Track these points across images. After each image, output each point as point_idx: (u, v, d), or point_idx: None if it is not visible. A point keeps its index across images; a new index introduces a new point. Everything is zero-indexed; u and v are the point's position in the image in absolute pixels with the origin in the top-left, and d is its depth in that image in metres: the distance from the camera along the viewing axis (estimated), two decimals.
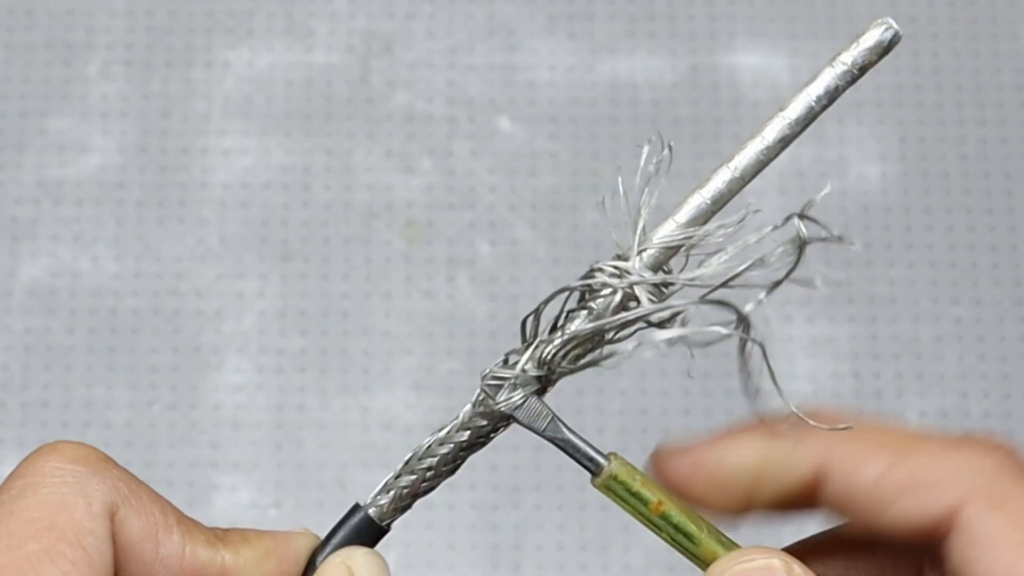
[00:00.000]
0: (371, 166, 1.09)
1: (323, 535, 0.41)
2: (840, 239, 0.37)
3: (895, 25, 0.40)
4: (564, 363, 0.39)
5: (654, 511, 0.39)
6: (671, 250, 0.39)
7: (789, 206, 1.10)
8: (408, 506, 0.41)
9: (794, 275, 0.38)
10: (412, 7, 1.14)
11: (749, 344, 0.38)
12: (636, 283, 0.39)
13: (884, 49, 0.40)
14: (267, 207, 1.08)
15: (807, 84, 0.38)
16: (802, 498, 0.40)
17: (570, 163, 1.10)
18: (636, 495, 0.39)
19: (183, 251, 1.07)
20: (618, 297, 0.39)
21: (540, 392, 0.40)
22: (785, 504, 0.40)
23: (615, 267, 0.39)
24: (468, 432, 0.40)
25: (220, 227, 1.07)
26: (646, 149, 0.39)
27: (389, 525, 0.41)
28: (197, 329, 1.05)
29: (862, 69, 0.39)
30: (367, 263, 1.07)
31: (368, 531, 0.40)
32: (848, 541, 0.41)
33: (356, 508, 0.41)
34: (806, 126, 0.38)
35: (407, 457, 0.40)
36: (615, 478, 0.39)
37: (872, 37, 0.40)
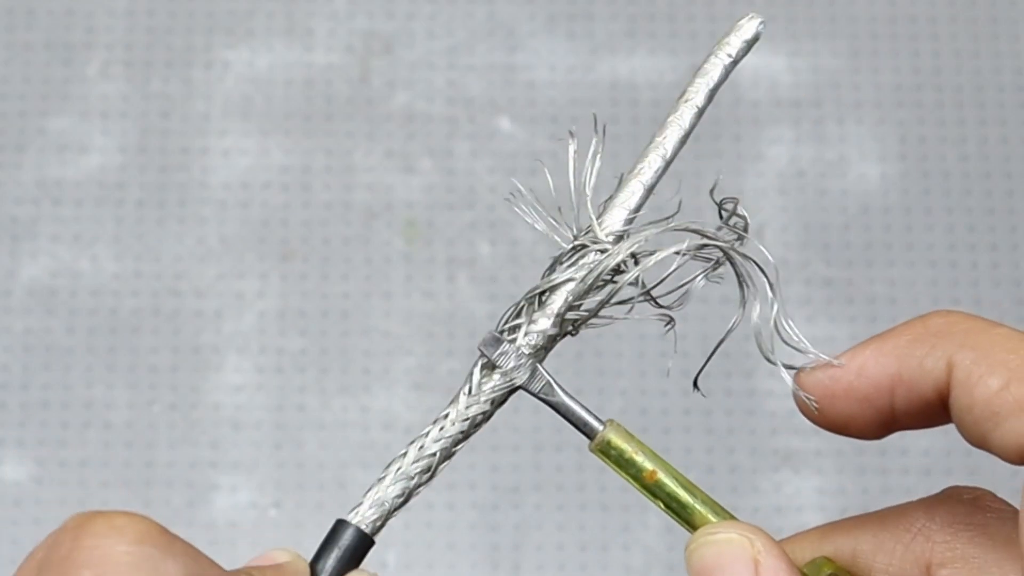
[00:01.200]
0: (371, 166, 1.09)
1: (323, 534, 0.40)
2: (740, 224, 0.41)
3: (761, 17, 0.43)
4: (574, 316, 0.40)
5: (648, 479, 0.39)
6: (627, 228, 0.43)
7: (789, 205, 1.10)
8: (394, 514, 0.40)
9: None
10: (412, 7, 1.14)
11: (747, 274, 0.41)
12: (621, 253, 0.42)
13: (753, 41, 0.44)
14: (267, 207, 1.08)
15: (701, 74, 0.45)
16: (937, 408, 0.39)
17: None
18: (630, 462, 0.40)
19: (183, 251, 1.07)
20: (609, 261, 0.42)
21: (541, 357, 0.41)
22: (923, 416, 0.39)
23: (594, 240, 0.43)
24: (467, 422, 0.41)
25: (220, 227, 1.07)
26: (592, 144, 0.43)
27: (375, 536, 0.40)
28: (197, 329, 1.05)
29: (739, 59, 0.44)
30: (367, 263, 1.07)
31: (359, 547, 0.40)
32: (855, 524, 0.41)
33: (342, 524, 0.40)
34: (707, 106, 0.45)
35: (397, 466, 0.40)
36: (610, 443, 0.40)
37: (750, 30, 0.44)
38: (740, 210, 0.42)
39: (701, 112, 0.44)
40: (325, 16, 1.13)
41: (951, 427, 0.36)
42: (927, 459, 1.04)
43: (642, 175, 0.44)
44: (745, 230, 0.40)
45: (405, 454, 0.41)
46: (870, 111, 1.11)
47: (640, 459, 0.40)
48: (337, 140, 1.10)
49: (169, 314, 1.05)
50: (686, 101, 0.45)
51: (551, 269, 0.42)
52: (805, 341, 0.40)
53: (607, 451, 0.40)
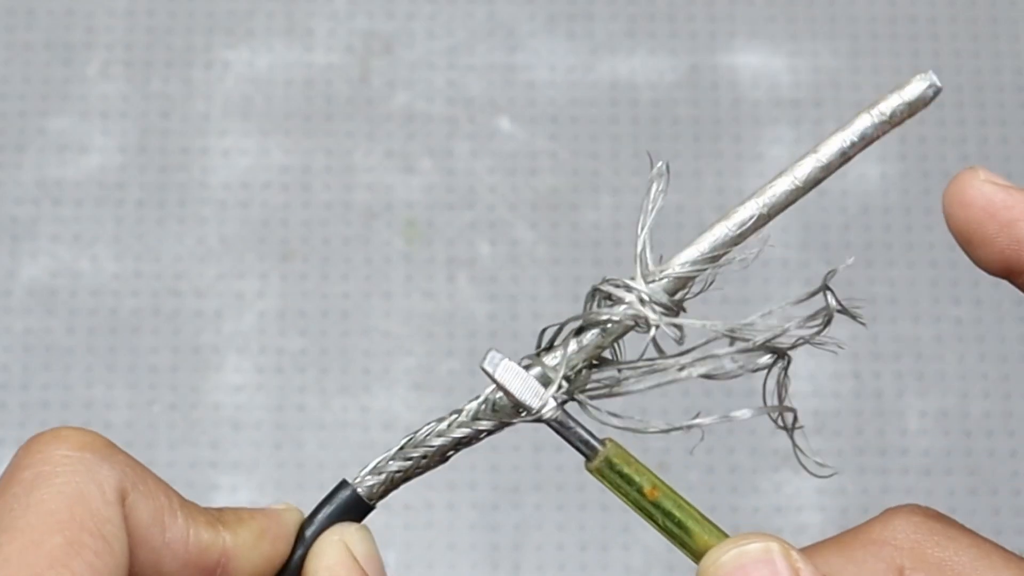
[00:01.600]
0: (371, 166, 1.09)
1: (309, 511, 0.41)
2: (856, 312, 0.38)
3: (936, 80, 0.38)
4: (581, 377, 0.39)
5: (648, 496, 0.39)
6: (686, 279, 0.39)
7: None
8: (395, 489, 0.41)
9: (817, 339, 0.39)
10: (412, 7, 1.14)
11: (782, 379, 0.38)
12: (655, 319, 0.39)
13: (924, 103, 0.39)
14: (267, 207, 1.08)
15: (842, 128, 0.39)
16: None
17: (570, 163, 1.10)
18: (629, 481, 0.39)
19: (183, 251, 1.07)
20: (630, 313, 0.39)
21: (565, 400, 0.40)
22: None
23: (627, 284, 0.39)
24: (468, 430, 0.40)
25: (220, 227, 1.07)
26: (653, 181, 0.38)
27: (375, 504, 0.41)
28: (197, 329, 1.05)
29: (897, 122, 0.39)
30: (367, 263, 1.07)
31: (356, 508, 0.41)
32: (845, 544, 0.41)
33: (344, 484, 0.41)
34: (836, 169, 0.39)
35: (402, 442, 0.40)
36: (609, 463, 0.39)
37: (914, 90, 0.39)
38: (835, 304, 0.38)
39: (827, 168, 0.39)
40: (325, 16, 1.13)
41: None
42: (927, 459, 1.04)
43: (731, 218, 0.38)
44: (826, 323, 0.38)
45: (415, 433, 0.41)
46: None
47: (640, 478, 0.39)
48: (337, 140, 1.10)
49: (169, 314, 1.05)
50: (813, 152, 0.39)
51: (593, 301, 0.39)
52: (815, 462, 0.40)
53: (605, 472, 0.39)
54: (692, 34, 1.13)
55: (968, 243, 0.39)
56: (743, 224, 0.38)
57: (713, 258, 0.38)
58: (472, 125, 1.11)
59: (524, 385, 0.39)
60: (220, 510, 0.40)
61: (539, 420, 0.39)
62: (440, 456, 0.41)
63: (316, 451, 1.03)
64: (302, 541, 0.40)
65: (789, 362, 0.38)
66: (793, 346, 0.38)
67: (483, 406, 0.40)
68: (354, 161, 1.09)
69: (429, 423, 0.41)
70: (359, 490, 0.41)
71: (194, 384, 1.04)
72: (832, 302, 0.38)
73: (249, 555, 0.39)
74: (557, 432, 0.39)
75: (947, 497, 1.03)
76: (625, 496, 0.39)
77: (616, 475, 0.39)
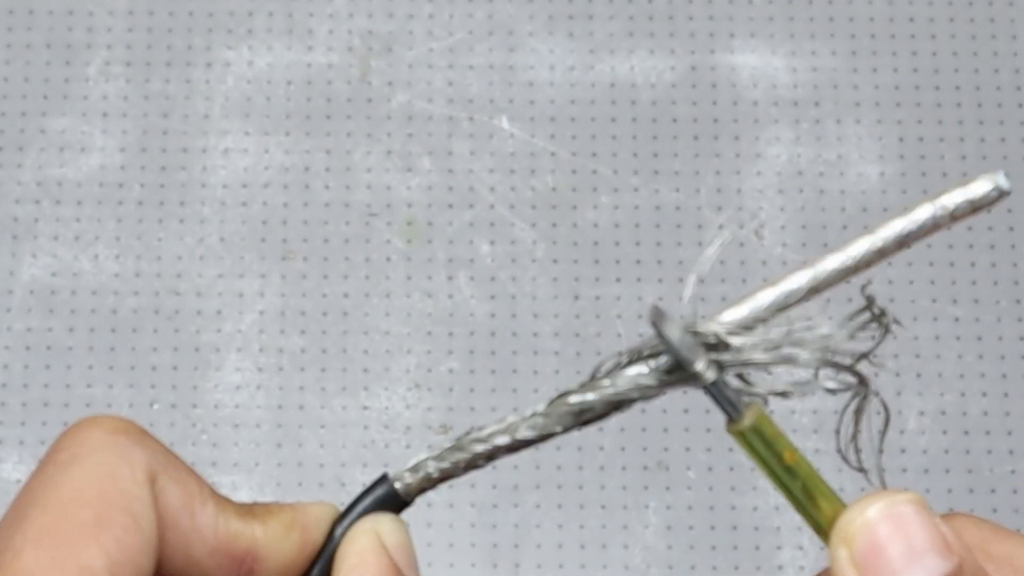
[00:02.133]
0: (371, 166, 1.10)
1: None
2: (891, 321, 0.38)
3: (1005, 183, 0.38)
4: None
5: (787, 460, 0.38)
6: (752, 321, 0.40)
7: (788, 205, 1.10)
8: (434, 487, 0.41)
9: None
10: (412, 7, 1.14)
11: (863, 405, 0.38)
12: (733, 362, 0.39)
13: (988, 204, 0.38)
14: (267, 207, 1.08)
15: (902, 215, 0.39)
16: None
17: (570, 163, 1.10)
18: (769, 444, 0.39)
19: (183, 251, 1.07)
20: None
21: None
22: None
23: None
24: (533, 431, 0.40)
25: (220, 227, 1.08)
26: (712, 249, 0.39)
27: (412, 501, 0.41)
28: (197, 329, 1.05)
29: (958, 217, 0.38)
30: (367, 263, 1.07)
31: (392, 504, 0.41)
32: None
33: (384, 479, 0.41)
34: (891, 255, 0.39)
35: (450, 444, 0.41)
36: (755, 427, 0.39)
37: (978, 189, 0.38)
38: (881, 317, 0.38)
39: (881, 253, 0.38)
40: (325, 16, 1.13)
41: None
42: (925, 458, 1.04)
43: (778, 287, 0.39)
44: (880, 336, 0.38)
45: (463, 436, 0.41)
46: (869, 111, 1.11)
47: (779, 443, 0.39)
48: (337, 140, 1.10)
49: (169, 314, 1.06)
50: (870, 234, 0.39)
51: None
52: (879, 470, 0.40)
53: (748, 435, 0.39)
54: (692, 34, 1.13)
55: None
56: (790, 292, 0.39)
57: (756, 319, 0.39)
58: (472, 125, 1.11)
59: (685, 342, 0.39)
60: (251, 504, 0.41)
61: (698, 383, 0.40)
62: (489, 459, 0.41)
63: (316, 450, 1.03)
64: (332, 536, 0.41)
65: (867, 392, 0.38)
66: (853, 367, 0.38)
67: (534, 417, 0.40)
68: (354, 161, 1.10)
69: (484, 426, 0.41)
70: (396, 485, 0.41)
71: (194, 384, 1.04)
72: (881, 314, 0.38)
73: (279, 545, 0.40)
74: (711, 394, 0.40)
75: (945, 496, 1.03)
76: (762, 460, 0.39)
77: (758, 438, 0.39)
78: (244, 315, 1.06)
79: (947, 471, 1.04)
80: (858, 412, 0.39)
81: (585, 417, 0.41)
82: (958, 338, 1.06)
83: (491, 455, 0.40)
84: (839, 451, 0.40)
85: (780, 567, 1.01)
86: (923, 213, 0.39)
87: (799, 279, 0.39)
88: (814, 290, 0.39)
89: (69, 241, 1.07)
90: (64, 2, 1.13)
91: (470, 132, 1.10)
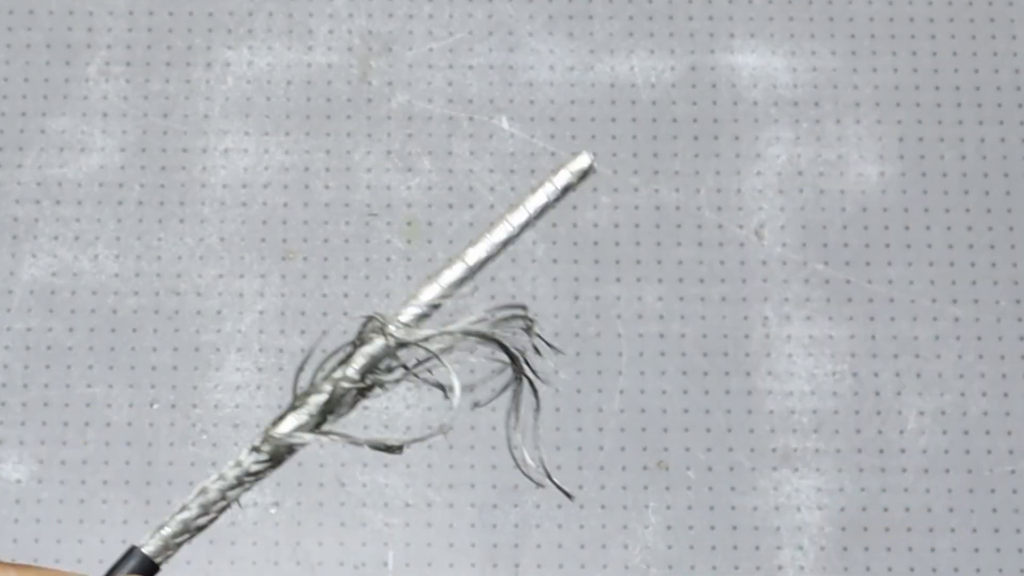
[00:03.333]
0: (371, 166, 1.10)
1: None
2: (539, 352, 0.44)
3: (591, 160, 0.45)
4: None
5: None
6: (425, 314, 0.46)
7: (788, 205, 1.10)
8: (179, 547, 0.44)
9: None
10: (412, 7, 1.14)
11: (520, 390, 0.42)
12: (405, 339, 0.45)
13: (584, 174, 0.46)
14: (267, 207, 1.08)
15: (527, 199, 0.46)
16: None
17: None
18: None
19: (183, 251, 1.07)
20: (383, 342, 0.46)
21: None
22: None
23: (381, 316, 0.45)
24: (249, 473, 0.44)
25: (220, 227, 1.08)
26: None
27: (162, 563, 0.43)
28: (197, 329, 1.05)
29: (569, 190, 0.46)
30: (367, 263, 1.07)
31: (144, 569, 0.43)
32: None
33: (132, 551, 0.44)
34: (523, 231, 0.45)
35: (184, 501, 0.43)
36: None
37: (582, 163, 0.46)
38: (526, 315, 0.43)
39: (517, 235, 0.45)
40: (325, 16, 1.13)
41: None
42: (925, 458, 1.04)
43: (441, 279, 0.46)
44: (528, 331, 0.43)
45: (199, 492, 0.43)
46: (869, 111, 1.11)
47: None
48: (337, 140, 1.10)
49: (169, 314, 1.06)
50: (504, 219, 0.46)
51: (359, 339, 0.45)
52: (547, 475, 0.44)
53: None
54: (692, 34, 1.13)
55: None
56: (455, 277, 0.46)
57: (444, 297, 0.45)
58: (472, 125, 1.11)
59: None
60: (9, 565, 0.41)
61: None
62: (222, 502, 0.43)
63: (316, 450, 1.03)
64: None
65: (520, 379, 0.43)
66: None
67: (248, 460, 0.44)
68: (354, 161, 1.10)
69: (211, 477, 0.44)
70: (145, 550, 0.43)
71: (194, 383, 1.04)
72: (522, 308, 0.44)
73: None
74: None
75: (945, 495, 1.03)
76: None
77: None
78: (244, 315, 1.06)
79: (947, 471, 1.04)
80: (515, 396, 0.44)
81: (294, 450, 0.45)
82: (958, 338, 1.06)
83: (219, 503, 0.43)
84: (510, 450, 0.44)
85: (780, 567, 1.01)
86: (540, 197, 0.46)
87: (459, 268, 0.45)
88: (472, 270, 0.46)
89: (69, 241, 1.07)
90: (64, 2, 1.13)
91: (470, 132, 1.10)
